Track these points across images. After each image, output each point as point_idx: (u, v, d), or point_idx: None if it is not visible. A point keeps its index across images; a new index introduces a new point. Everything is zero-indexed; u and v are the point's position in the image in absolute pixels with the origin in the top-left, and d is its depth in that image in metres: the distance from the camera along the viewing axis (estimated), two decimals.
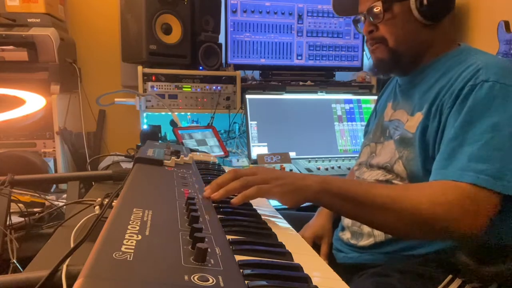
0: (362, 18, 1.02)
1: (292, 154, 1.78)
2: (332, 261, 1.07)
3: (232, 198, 0.85)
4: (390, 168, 0.98)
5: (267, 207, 0.89)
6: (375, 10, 0.96)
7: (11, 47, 1.75)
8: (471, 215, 0.74)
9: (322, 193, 0.79)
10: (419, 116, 0.93)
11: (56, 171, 1.86)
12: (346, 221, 1.08)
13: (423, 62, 0.99)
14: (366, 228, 0.99)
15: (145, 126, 1.89)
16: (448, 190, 0.76)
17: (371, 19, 0.98)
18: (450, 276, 0.82)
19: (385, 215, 0.78)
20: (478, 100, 0.81)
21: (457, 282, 0.81)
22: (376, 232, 0.97)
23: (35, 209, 1.13)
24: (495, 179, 0.74)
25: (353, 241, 1.03)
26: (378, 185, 0.91)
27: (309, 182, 0.79)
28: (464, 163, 0.77)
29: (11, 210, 0.96)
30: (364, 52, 2.28)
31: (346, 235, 1.06)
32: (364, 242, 0.99)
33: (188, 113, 2.02)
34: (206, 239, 0.50)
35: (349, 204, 0.79)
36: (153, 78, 1.93)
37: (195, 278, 0.40)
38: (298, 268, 0.53)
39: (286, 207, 0.85)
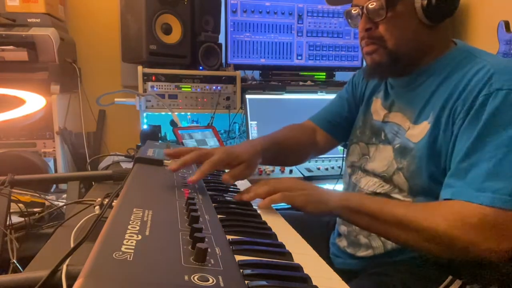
0: (359, 12, 0.92)
1: None
2: (329, 265, 1.06)
3: (232, 196, 0.86)
4: (388, 178, 0.94)
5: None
6: (377, 6, 0.87)
7: (11, 47, 1.75)
8: (493, 239, 0.70)
9: (341, 209, 0.85)
10: (425, 126, 0.87)
11: (56, 171, 1.86)
12: (342, 228, 1.04)
13: (421, 64, 0.92)
14: (363, 239, 0.97)
15: (145, 126, 1.89)
16: (466, 213, 0.72)
17: (371, 16, 0.89)
18: (450, 277, 0.82)
19: (402, 233, 0.78)
20: (492, 112, 0.75)
21: (458, 283, 0.81)
22: (375, 244, 0.95)
23: (35, 209, 1.13)
24: None
25: (350, 250, 1.00)
26: (394, 203, 0.88)
27: (331, 197, 0.87)
28: (479, 183, 0.73)
29: (11, 210, 0.96)
30: None
31: (343, 243, 1.03)
32: (363, 253, 0.97)
33: (188, 113, 2.02)
34: (206, 239, 0.50)
35: (367, 221, 0.83)
36: (153, 78, 1.93)
37: (195, 278, 0.40)
38: (298, 268, 0.53)
39: (286, 206, 0.86)
